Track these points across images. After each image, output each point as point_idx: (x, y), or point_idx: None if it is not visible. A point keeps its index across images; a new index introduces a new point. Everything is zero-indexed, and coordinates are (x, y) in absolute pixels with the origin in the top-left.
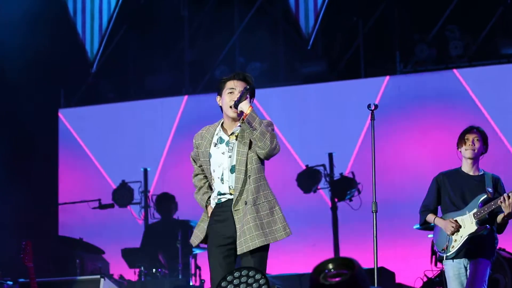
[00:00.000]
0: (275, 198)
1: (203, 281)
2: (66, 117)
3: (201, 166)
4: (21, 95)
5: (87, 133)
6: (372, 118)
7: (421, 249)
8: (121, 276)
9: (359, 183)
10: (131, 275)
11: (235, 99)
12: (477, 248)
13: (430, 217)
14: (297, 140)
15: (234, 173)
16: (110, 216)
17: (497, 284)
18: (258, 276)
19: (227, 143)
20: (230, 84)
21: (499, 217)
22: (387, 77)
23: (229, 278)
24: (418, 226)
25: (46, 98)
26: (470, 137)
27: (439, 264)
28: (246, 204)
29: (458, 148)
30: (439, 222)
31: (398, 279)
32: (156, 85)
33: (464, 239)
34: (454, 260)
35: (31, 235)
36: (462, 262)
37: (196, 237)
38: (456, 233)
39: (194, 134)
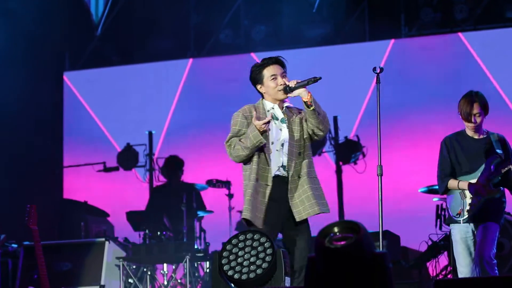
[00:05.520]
0: None
1: (207, 244)
2: (71, 80)
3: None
4: (26, 57)
5: (92, 96)
6: (377, 81)
7: (426, 213)
8: (125, 239)
9: (364, 146)
10: (135, 238)
11: (282, 83)
12: (486, 212)
13: (452, 183)
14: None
15: (288, 148)
16: (115, 179)
17: (502, 248)
18: (263, 240)
19: (282, 120)
20: (270, 71)
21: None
22: (392, 41)
23: (234, 241)
24: (423, 189)
25: (51, 61)
26: (472, 113)
27: (444, 228)
28: (299, 177)
29: (459, 114)
30: (465, 185)
31: (403, 243)
32: (161, 48)
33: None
34: (462, 223)
35: (36, 198)
36: (470, 226)
37: (258, 219)
38: (470, 197)
39: (198, 97)
